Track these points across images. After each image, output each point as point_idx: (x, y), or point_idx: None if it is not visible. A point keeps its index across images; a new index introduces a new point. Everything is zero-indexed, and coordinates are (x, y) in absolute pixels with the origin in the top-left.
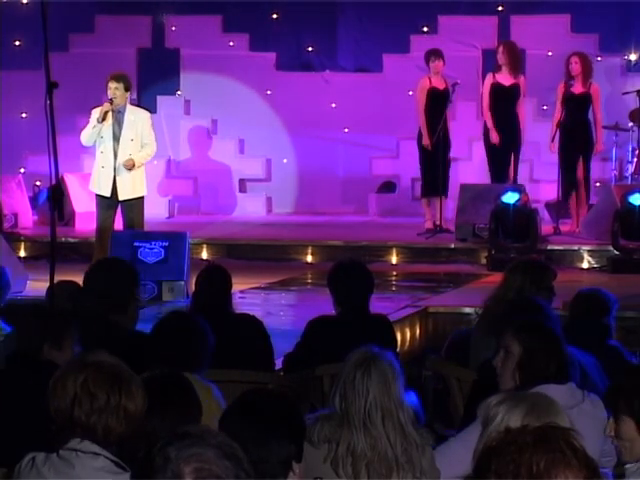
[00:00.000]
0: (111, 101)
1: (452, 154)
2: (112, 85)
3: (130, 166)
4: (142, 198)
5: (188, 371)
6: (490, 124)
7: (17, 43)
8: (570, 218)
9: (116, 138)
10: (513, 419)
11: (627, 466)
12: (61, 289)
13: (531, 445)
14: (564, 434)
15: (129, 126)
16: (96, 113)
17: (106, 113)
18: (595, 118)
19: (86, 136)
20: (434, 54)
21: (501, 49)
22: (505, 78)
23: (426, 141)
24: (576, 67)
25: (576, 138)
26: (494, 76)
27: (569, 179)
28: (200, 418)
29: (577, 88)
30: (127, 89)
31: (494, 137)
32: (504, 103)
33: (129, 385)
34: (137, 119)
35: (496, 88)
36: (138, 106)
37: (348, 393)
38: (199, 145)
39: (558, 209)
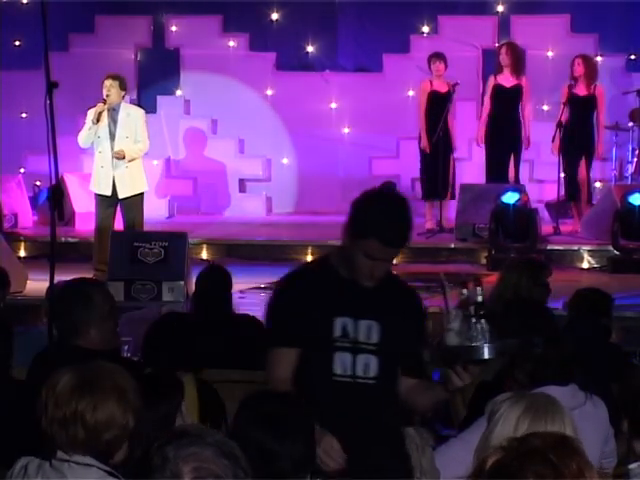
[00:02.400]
0: (104, 101)
1: (455, 155)
2: (107, 83)
3: (121, 156)
4: (142, 195)
5: (183, 371)
6: (482, 126)
7: (17, 43)
8: (571, 218)
9: (112, 136)
10: (511, 416)
11: (631, 466)
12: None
13: (558, 449)
14: (570, 440)
15: (123, 124)
16: (91, 114)
17: (100, 114)
18: (598, 120)
19: (83, 138)
20: (435, 56)
21: (504, 50)
22: (506, 79)
23: (424, 144)
24: (579, 68)
25: (579, 140)
26: (495, 78)
27: (572, 180)
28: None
29: (581, 90)
30: (122, 88)
31: (480, 139)
32: (505, 104)
33: (94, 395)
34: (131, 116)
35: (497, 90)
36: (137, 105)
37: None
38: (199, 145)
39: (558, 209)
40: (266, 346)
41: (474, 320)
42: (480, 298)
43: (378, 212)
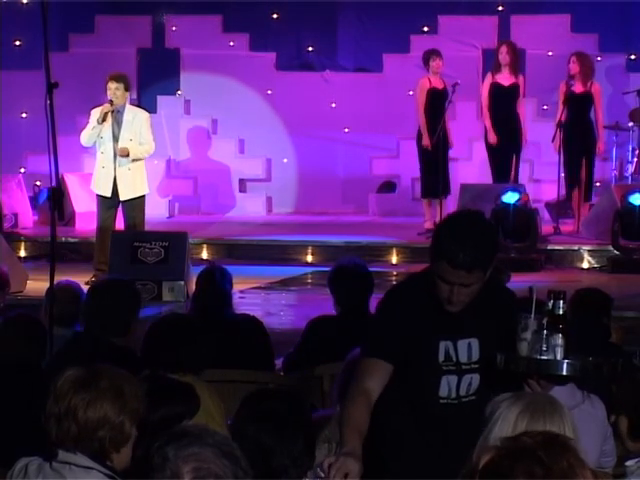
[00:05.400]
0: (111, 102)
1: (452, 154)
2: (112, 85)
3: (124, 154)
4: (143, 197)
5: (182, 372)
6: (488, 124)
7: (17, 43)
8: (572, 218)
9: (115, 138)
10: (510, 416)
11: (627, 463)
12: (63, 291)
13: (548, 447)
14: (563, 438)
15: (127, 126)
16: (96, 114)
17: (106, 114)
18: (596, 118)
19: (86, 137)
20: (434, 53)
21: (505, 49)
22: (505, 78)
23: (426, 141)
24: (574, 67)
25: (578, 138)
26: (493, 76)
27: (571, 179)
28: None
29: (577, 88)
30: (127, 89)
31: (491, 138)
32: (504, 103)
33: (89, 393)
34: (135, 119)
35: (495, 88)
36: (138, 106)
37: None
38: (199, 145)
39: (558, 209)
40: (361, 355)
41: (546, 333)
42: (561, 311)
43: (449, 233)
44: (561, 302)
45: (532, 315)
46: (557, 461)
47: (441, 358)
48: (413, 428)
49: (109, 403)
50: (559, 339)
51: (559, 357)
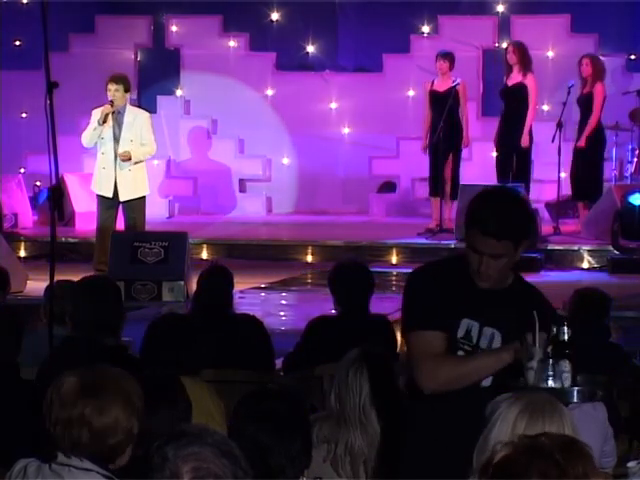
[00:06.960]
0: (111, 103)
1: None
2: (112, 87)
3: (126, 158)
4: (144, 198)
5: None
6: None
7: (17, 43)
8: (572, 218)
9: (116, 139)
10: (509, 416)
11: (629, 464)
12: (63, 290)
13: (565, 451)
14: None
15: (128, 127)
16: (96, 114)
17: (107, 115)
18: (592, 116)
19: (87, 137)
20: (439, 55)
21: (511, 48)
22: (511, 79)
23: (423, 143)
24: (586, 69)
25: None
26: (505, 78)
27: (577, 179)
28: (190, 418)
29: (586, 89)
30: (127, 90)
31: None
32: (507, 104)
33: (100, 399)
34: (136, 120)
35: (503, 90)
36: (139, 106)
37: (342, 392)
38: (199, 145)
39: (558, 209)
40: (408, 330)
41: (552, 361)
42: (566, 337)
43: (481, 202)
44: (565, 327)
45: (536, 344)
46: (573, 466)
47: (460, 334)
48: (430, 408)
49: (120, 408)
50: (566, 365)
51: (567, 384)
